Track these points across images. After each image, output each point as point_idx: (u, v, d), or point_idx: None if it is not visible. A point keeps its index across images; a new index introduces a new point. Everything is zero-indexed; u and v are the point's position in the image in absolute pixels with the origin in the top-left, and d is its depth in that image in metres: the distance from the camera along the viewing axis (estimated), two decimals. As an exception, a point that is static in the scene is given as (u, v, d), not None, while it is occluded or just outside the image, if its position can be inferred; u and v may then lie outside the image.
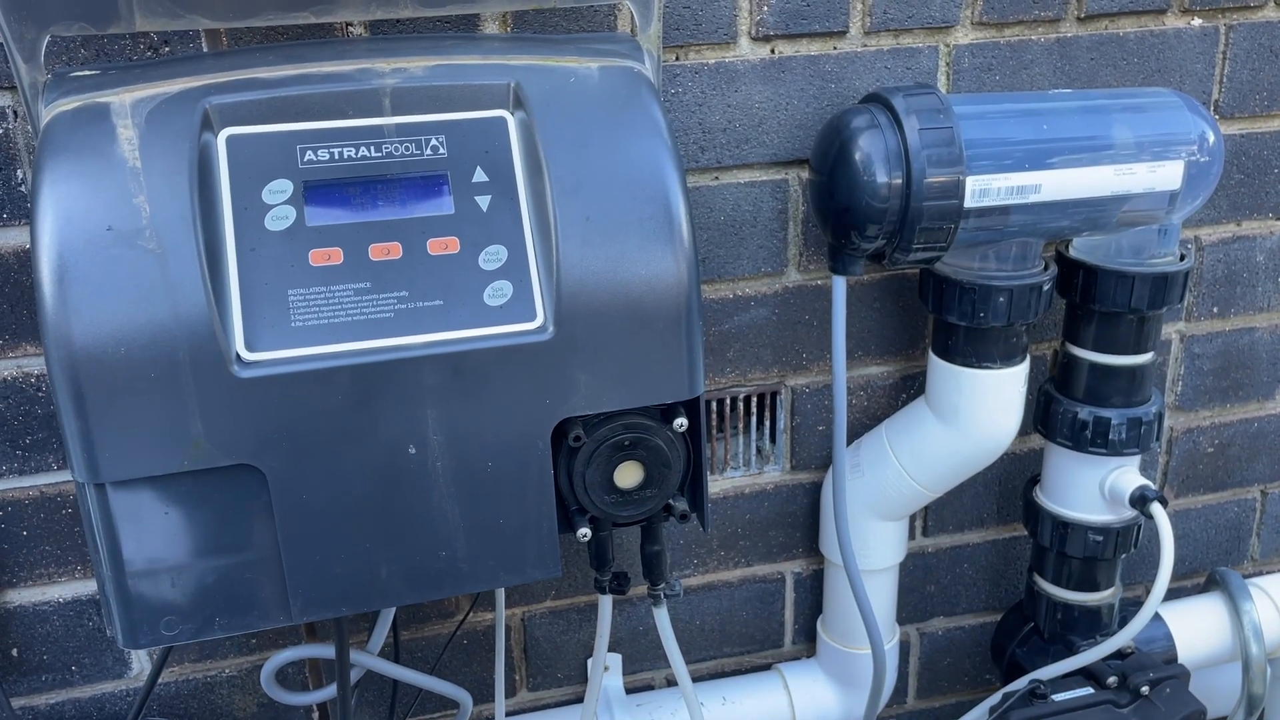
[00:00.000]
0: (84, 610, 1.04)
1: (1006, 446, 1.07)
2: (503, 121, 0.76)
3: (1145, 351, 1.05)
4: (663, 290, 0.74)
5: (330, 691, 1.01)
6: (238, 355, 0.68)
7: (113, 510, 0.69)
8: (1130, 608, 1.15)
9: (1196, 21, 1.11)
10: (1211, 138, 0.97)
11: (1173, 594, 1.29)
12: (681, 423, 0.78)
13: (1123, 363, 1.05)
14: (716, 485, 1.17)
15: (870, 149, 0.91)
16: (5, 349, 0.95)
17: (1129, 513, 1.09)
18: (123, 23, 0.75)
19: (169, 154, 0.69)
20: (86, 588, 1.04)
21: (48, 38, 0.74)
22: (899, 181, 0.91)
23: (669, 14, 0.98)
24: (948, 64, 1.06)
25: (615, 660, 1.20)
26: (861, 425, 1.17)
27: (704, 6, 0.98)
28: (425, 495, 0.73)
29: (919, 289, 1.07)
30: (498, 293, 0.72)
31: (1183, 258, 1.03)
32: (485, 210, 0.74)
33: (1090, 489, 1.09)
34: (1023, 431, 1.11)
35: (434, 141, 0.75)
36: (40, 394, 0.97)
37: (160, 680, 1.09)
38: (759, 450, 1.18)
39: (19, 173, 0.91)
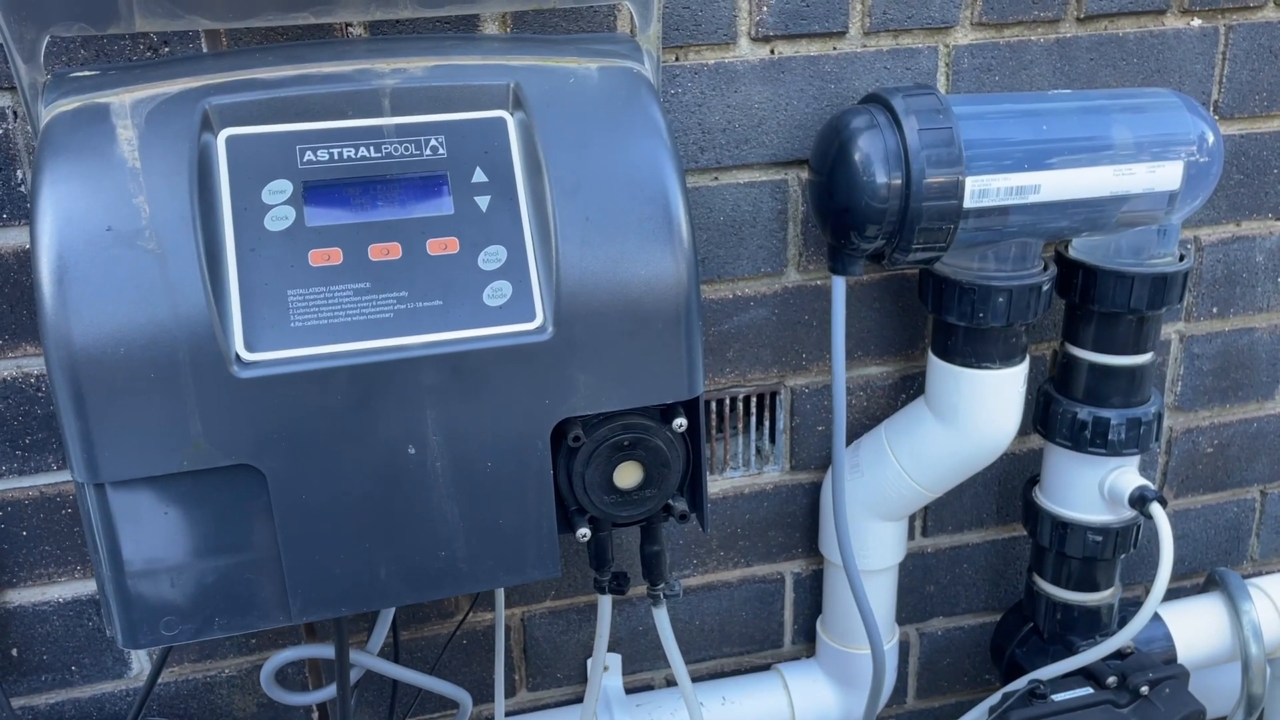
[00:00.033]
0: (84, 610, 1.05)
1: (1006, 447, 1.07)
2: (502, 122, 0.76)
3: (1145, 352, 1.06)
4: (662, 290, 0.74)
5: (330, 691, 1.01)
6: (237, 355, 0.68)
7: (112, 510, 0.69)
8: (1130, 608, 1.15)
9: (1196, 22, 1.11)
10: (1211, 138, 0.97)
11: (1172, 594, 1.29)
12: (681, 423, 0.78)
13: (1122, 363, 1.05)
14: (716, 485, 1.17)
15: (870, 149, 0.91)
16: (5, 349, 0.95)
17: (1128, 513, 1.09)
18: (122, 23, 0.75)
19: (169, 154, 0.69)
20: (86, 588, 1.04)
21: (47, 38, 0.74)
22: (898, 182, 0.91)
23: (668, 14, 0.98)
24: (947, 64, 1.06)
25: (615, 660, 1.20)
26: (861, 425, 1.17)
27: (703, 7, 0.98)
28: (425, 495, 0.73)
29: (918, 289, 1.07)
30: (497, 293, 0.72)
31: (1182, 258, 1.03)
32: (485, 210, 0.74)
33: (1089, 489, 1.09)
34: (1022, 432, 1.11)
35: (433, 142, 0.75)
36: (40, 394, 0.97)
37: (160, 680, 1.09)
38: (758, 450, 1.18)
39: (19, 173, 0.91)
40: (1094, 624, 1.15)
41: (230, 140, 0.72)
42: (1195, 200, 0.99)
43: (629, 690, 1.22)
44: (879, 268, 1.11)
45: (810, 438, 1.17)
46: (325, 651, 0.99)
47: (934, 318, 1.05)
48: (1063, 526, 1.11)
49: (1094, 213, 0.97)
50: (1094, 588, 1.14)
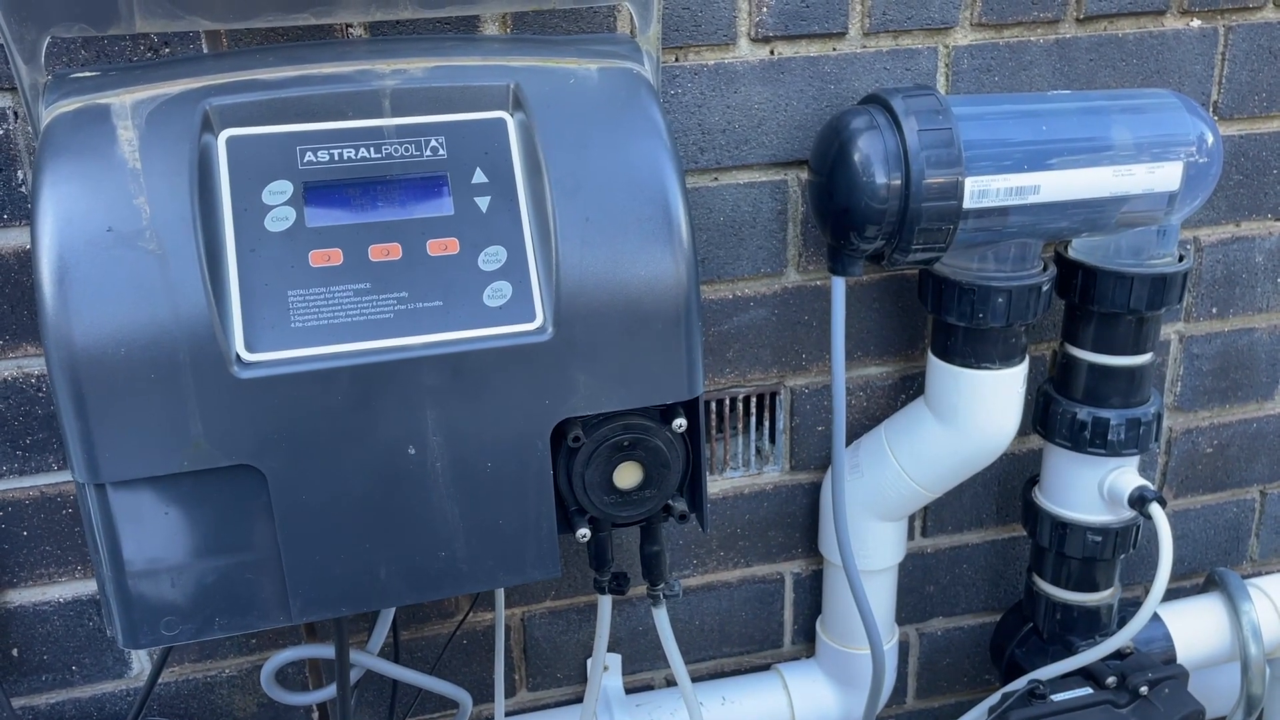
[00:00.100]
0: (84, 610, 1.05)
1: (1005, 447, 1.07)
2: (502, 123, 0.76)
3: (1144, 352, 1.06)
4: (662, 291, 0.74)
5: (330, 691, 1.01)
6: (238, 356, 0.68)
7: (113, 510, 0.69)
8: (1129, 608, 1.15)
9: (1195, 22, 1.11)
10: (1210, 139, 0.97)
11: (1172, 594, 1.29)
12: (681, 423, 0.78)
13: (1122, 363, 1.05)
14: (716, 486, 1.17)
15: (869, 150, 0.91)
16: (6, 349, 0.95)
17: (1128, 513, 1.09)
18: (123, 24, 0.75)
19: (169, 155, 0.69)
20: (87, 588, 1.04)
21: (48, 39, 0.74)
22: (898, 182, 0.91)
23: (668, 15, 0.98)
24: (947, 65, 1.06)
25: (615, 660, 1.20)
26: (861, 426, 1.17)
27: (703, 8, 0.99)
28: (425, 496, 0.73)
29: (918, 290, 1.07)
30: (497, 293, 0.72)
31: (1181, 258, 1.03)
32: (485, 211, 0.74)
33: (1089, 489, 1.09)
34: (1022, 432, 1.11)
35: (434, 142, 0.75)
36: (40, 394, 0.97)
37: (160, 680, 1.09)
38: (758, 450, 1.18)
39: (19, 174, 0.91)
40: (1093, 624, 1.15)
41: (231, 141, 0.72)
42: (1195, 201, 0.99)
43: (629, 690, 1.22)
44: (879, 268, 1.11)
45: (810, 438, 1.17)
46: (325, 651, 0.99)
47: (934, 318, 1.05)
48: (1062, 527, 1.11)
49: (1093, 213, 0.97)
50: (1093, 588, 1.14)
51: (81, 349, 0.65)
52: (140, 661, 1.08)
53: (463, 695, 1.05)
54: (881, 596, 1.18)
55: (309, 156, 0.73)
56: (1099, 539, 1.10)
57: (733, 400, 1.14)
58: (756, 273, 1.09)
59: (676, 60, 1.00)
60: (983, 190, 0.92)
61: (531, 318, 0.72)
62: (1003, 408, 1.04)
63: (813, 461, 1.18)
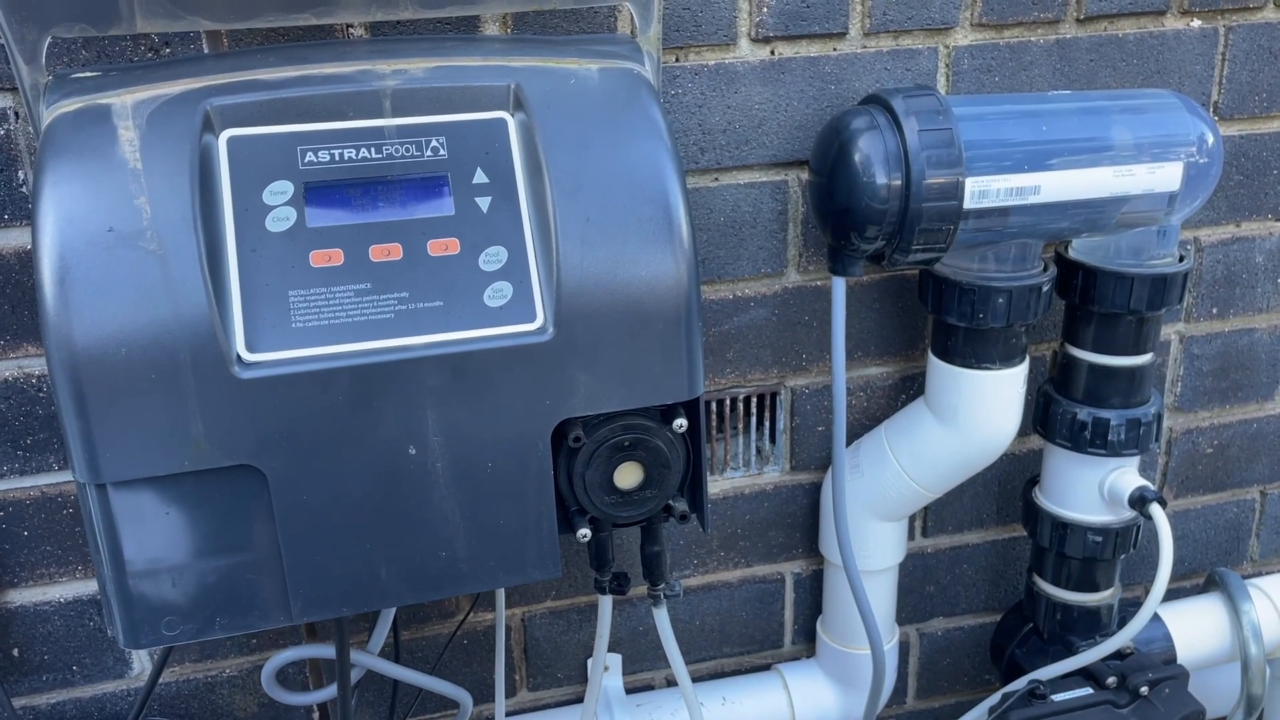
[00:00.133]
0: (85, 610, 1.05)
1: (1006, 447, 1.07)
2: (503, 123, 0.76)
3: (1144, 352, 1.06)
4: (662, 291, 0.74)
5: (331, 691, 1.01)
6: (238, 356, 0.68)
7: (114, 510, 0.69)
8: (1129, 608, 1.15)
9: (1196, 23, 1.11)
10: (1210, 139, 0.97)
11: (1172, 594, 1.29)
12: (681, 423, 0.78)
13: (1122, 364, 1.05)
14: (716, 486, 1.17)
15: (870, 150, 0.91)
16: (6, 349, 0.95)
17: (1128, 513, 1.09)
18: (124, 24, 0.75)
19: (170, 155, 0.69)
20: (87, 588, 1.04)
21: (49, 39, 0.74)
22: (898, 183, 0.91)
23: (669, 15, 0.98)
24: (947, 65, 1.06)
25: (615, 660, 1.20)
26: (861, 426, 1.17)
27: (704, 8, 0.99)
28: (425, 496, 0.73)
29: (918, 290, 1.07)
30: (498, 294, 0.72)
31: (1182, 259, 1.03)
32: (485, 211, 0.74)
33: (1089, 490, 1.09)
34: (1022, 432, 1.11)
35: (434, 143, 0.75)
36: (41, 394, 0.97)
37: (161, 680, 1.09)
38: (759, 451, 1.18)
39: (20, 174, 0.91)
40: (1094, 624, 1.15)
41: (231, 141, 0.72)
42: (1195, 201, 0.99)
43: (629, 690, 1.22)
44: (879, 268, 1.11)
45: (810, 438, 1.17)
46: (326, 651, 0.99)
47: (934, 318, 1.05)
48: (1063, 527, 1.11)
49: (1094, 213, 0.97)
50: (1094, 588, 1.14)
51: (82, 349, 0.65)
52: (141, 661, 1.08)
53: (463, 695, 1.05)
54: (882, 596, 1.18)
55: (310, 157, 0.73)
56: (1099, 539, 1.10)
57: (733, 400, 1.14)
58: (757, 273, 1.09)
59: (677, 60, 1.00)
60: (983, 190, 0.92)
61: (532, 318, 0.73)
62: (1003, 408, 1.04)
63: (813, 461, 1.18)
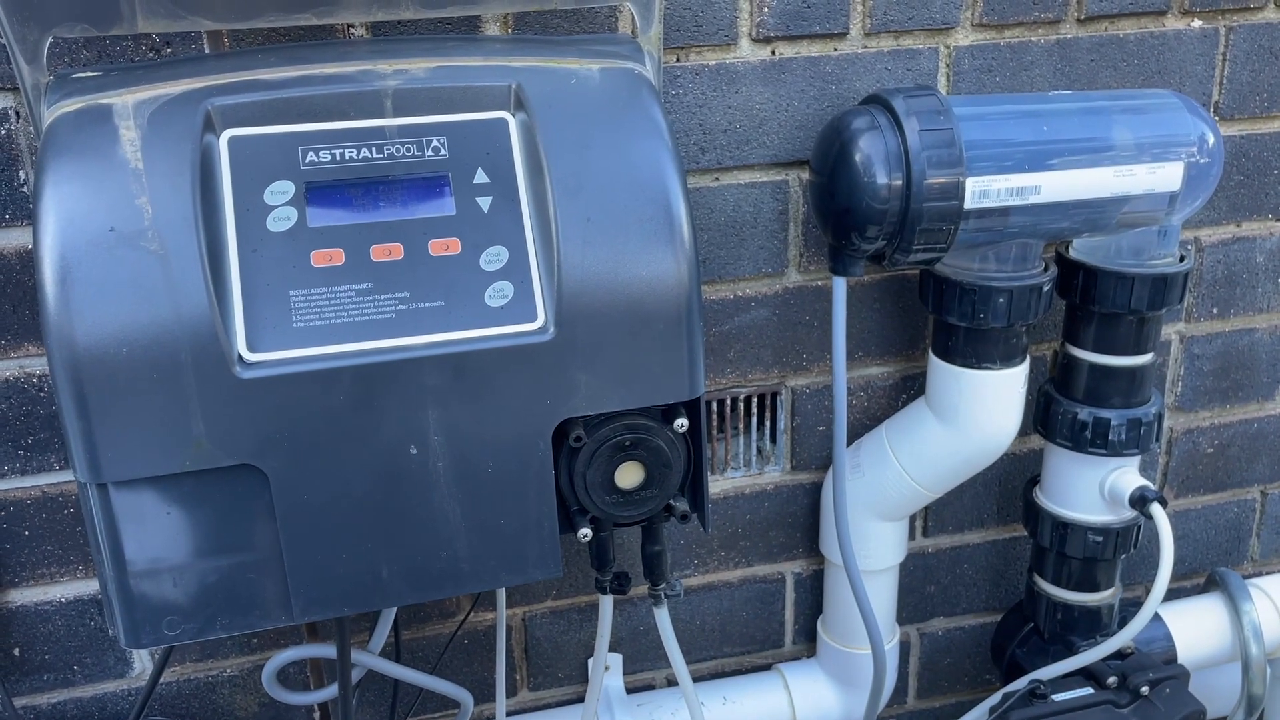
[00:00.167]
0: (86, 610, 1.05)
1: (1006, 447, 1.07)
2: (504, 123, 0.76)
3: (1145, 352, 1.06)
4: (663, 291, 0.74)
5: (331, 691, 1.01)
6: (239, 356, 0.68)
7: (115, 510, 0.69)
8: (1130, 608, 1.15)
9: (1196, 23, 1.11)
10: (1211, 139, 0.97)
11: (1172, 594, 1.29)
12: (682, 423, 0.78)
13: (1122, 363, 1.05)
14: (717, 485, 1.17)
15: (870, 150, 0.91)
16: (7, 349, 0.95)
17: (1129, 513, 1.09)
18: (125, 24, 0.75)
19: (171, 155, 0.69)
20: (88, 587, 1.04)
21: (50, 39, 0.74)
22: (899, 183, 0.91)
23: (670, 15, 0.98)
24: (948, 65, 1.06)
25: (616, 660, 1.20)
26: (862, 426, 1.17)
27: (705, 8, 0.99)
28: (426, 495, 0.73)
29: (919, 290, 1.07)
30: (499, 293, 0.72)
31: (1182, 259, 1.04)
32: (486, 211, 0.74)
33: (1090, 489, 1.09)
34: (1022, 432, 1.11)
35: (435, 143, 0.75)
36: (42, 394, 0.97)
37: (162, 680, 1.09)
38: (759, 450, 1.18)
39: (21, 174, 0.91)
40: (1094, 624, 1.15)
41: (233, 141, 0.72)
42: (1195, 201, 0.99)
43: (630, 690, 1.22)
44: (880, 268, 1.11)
45: (811, 438, 1.17)
46: (327, 651, 0.99)
47: (934, 318, 1.05)
48: (1063, 527, 1.11)
49: (1094, 214, 0.97)
50: (1094, 588, 1.14)
51: (84, 349, 0.65)
52: (142, 661, 1.08)
53: (464, 695, 1.06)
54: (882, 596, 1.18)
55: (311, 156, 0.73)
56: (1100, 539, 1.10)
57: (734, 400, 1.14)
58: (758, 273, 1.09)
59: (678, 60, 1.00)
60: (984, 190, 0.92)
61: (533, 318, 0.73)
62: (1004, 408, 1.04)
63: (814, 461, 1.18)
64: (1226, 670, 1.24)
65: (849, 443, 1.14)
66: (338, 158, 0.73)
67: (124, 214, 0.67)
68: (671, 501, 0.81)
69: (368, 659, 1.00)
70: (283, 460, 0.70)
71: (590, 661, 1.20)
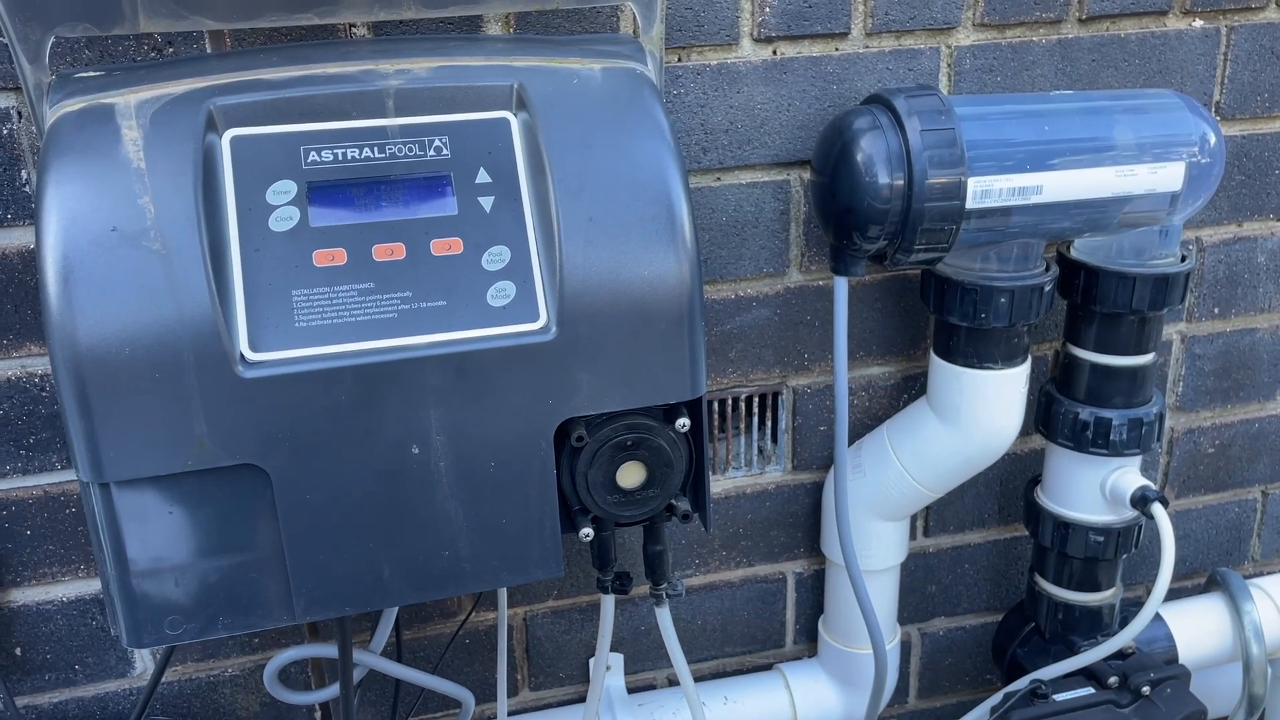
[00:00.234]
0: (87, 609, 1.05)
1: (1008, 447, 1.07)
2: (506, 123, 0.76)
3: (1146, 352, 1.06)
4: (665, 291, 0.74)
5: (333, 691, 1.01)
6: (242, 355, 0.68)
7: (117, 510, 0.69)
8: (1131, 608, 1.15)
9: (1198, 23, 1.11)
10: (1213, 139, 0.97)
11: (1173, 594, 1.29)
12: (684, 423, 0.78)
13: (1124, 363, 1.05)
14: (718, 485, 1.17)
15: (872, 150, 0.91)
16: (9, 349, 0.95)
17: (1130, 513, 1.09)
18: (127, 24, 0.75)
19: (173, 155, 0.69)
20: (90, 587, 1.04)
21: (52, 39, 0.74)
22: (900, 182, 0.91)
23: (671, 15, 0.98)
24: (949, 65, 1.06)
25: (617, 660, 1.21)
26: (863, 425, 1.17)
27: (706, 8, 0.99)
28: (428, 495, 0.73)
29: (920, 290, 1.07)
30: (501, 293, 0.72)
31: (1184, 259, 1.04)
32: (488, 211, 0.74)
33: (1091, 489, 1.10)
34: (1024, 432, 1.11)
35: (437, 142, 0.75)
36: (44, 394, 0.97)
37: (163, 679, 1.09)
38: (761, 450, 1.18)
39: (24, 173, 0.91)
40: (1095, 624, 1.15)
41: (235, 141, 0.72)
42: (1197, 201, 0.99)
43: (631, 690, 1.22)
44: (881, 268, 1.11)
45: (812, 438, 1.17)
46: (328, 651, 0.99)
47: (936, 318, 1.05)
48: (1064, 527, 1.11)
49: (1096, 213, 0.97)
50: (1095, 588, 1.14)
51: (86, 348, 0.65)
52: (143, 661, 1.08)
53: (465, 695, 1.06)
54: (883, 596, 1.18)
55: (313, 156, 0.73)
56: (1101, 539, 1.10)
57: (735, 400, 1.14)
58: (759, 272, 1.09)
59: (679, 60, 1.00)
60: (985, 190, 0.92)
61: (535, 317, 0.73)
62: (1005, 408, 1.04)
63: (815, 461, 1.18)
64: (1227, 670, 1.24)
65: (850, 442, 1.14)
66: (340, 157, 0.73)
67: (126, 213, 0.67)
68: (673, 501, 0.81)
69: (369, 659, 1.00)
70: (285, 460, 0.70)
71: (591, 661, 1.20)
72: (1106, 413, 1.06)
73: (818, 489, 1.20)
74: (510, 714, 1.18)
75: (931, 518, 1.25)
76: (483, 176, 0.74)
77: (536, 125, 0.75)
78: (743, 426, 1.16)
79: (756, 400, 1.15)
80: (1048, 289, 1.00)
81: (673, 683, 1.25)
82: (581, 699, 1.22)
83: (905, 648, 1.30)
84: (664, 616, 0.91)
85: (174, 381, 0.67)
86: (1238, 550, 1.37)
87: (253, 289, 0.69)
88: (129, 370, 0.66)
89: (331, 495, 0.71)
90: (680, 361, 0.76)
